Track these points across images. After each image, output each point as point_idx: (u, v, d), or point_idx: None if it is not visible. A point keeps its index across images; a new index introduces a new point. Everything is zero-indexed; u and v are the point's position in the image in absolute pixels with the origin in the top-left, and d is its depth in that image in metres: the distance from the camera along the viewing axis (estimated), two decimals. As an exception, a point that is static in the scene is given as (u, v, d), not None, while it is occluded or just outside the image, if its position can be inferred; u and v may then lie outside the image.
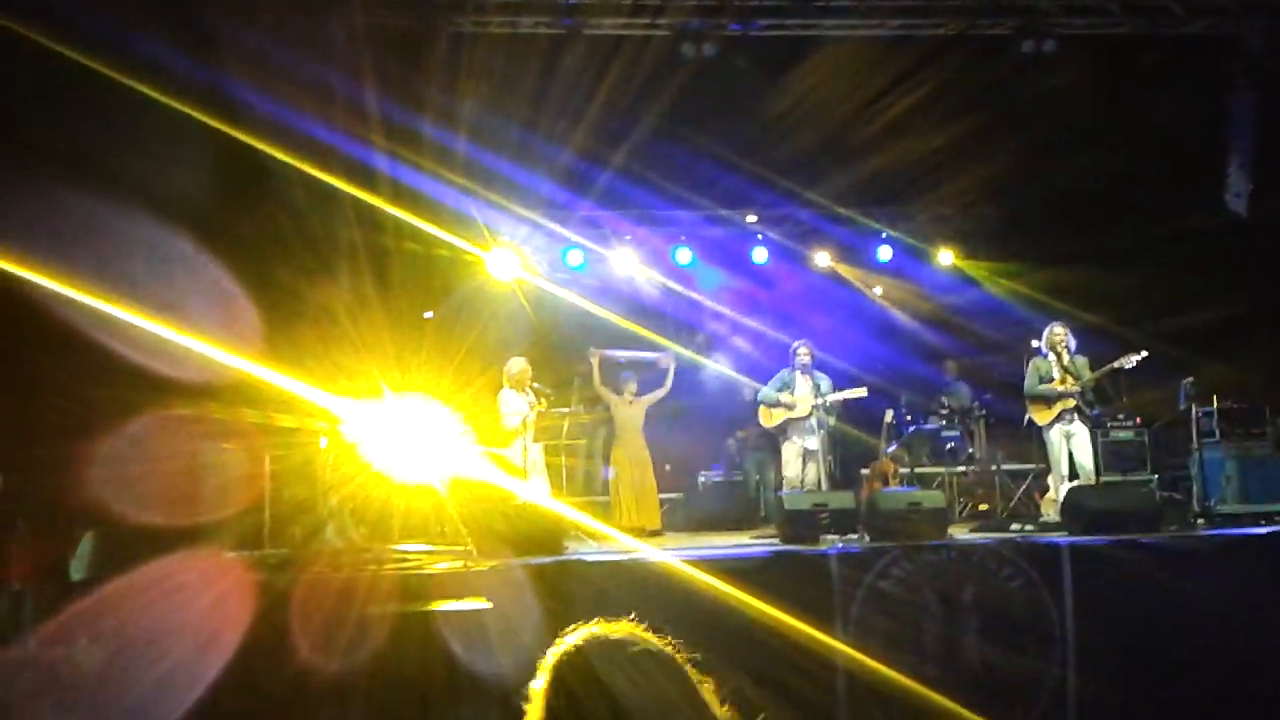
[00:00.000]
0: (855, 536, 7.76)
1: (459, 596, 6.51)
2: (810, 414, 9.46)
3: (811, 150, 12.03)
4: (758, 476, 12.19)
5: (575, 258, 13.41)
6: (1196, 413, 9.60)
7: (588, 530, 9.51)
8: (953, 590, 7.14)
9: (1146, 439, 10.32)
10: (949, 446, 11.59)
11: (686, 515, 11.78)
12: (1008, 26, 8.42)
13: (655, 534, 10.04)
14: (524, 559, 7.32)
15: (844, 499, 8.30)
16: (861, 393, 9.54)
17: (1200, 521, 8.85)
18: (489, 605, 6.03)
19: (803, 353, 9.62)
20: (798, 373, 9.60)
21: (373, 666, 6.04)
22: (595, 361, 10.52)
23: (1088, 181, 9.97)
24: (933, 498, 8.33)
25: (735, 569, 6.93)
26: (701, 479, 12.38)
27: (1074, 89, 9.66)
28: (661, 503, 10.93)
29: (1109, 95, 9.42)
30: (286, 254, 8.77)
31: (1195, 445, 9.45)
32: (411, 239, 10.56)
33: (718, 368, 12.29)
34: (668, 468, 11.45)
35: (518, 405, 9.13)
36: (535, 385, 9.24)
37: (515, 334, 11.98)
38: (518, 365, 9.28)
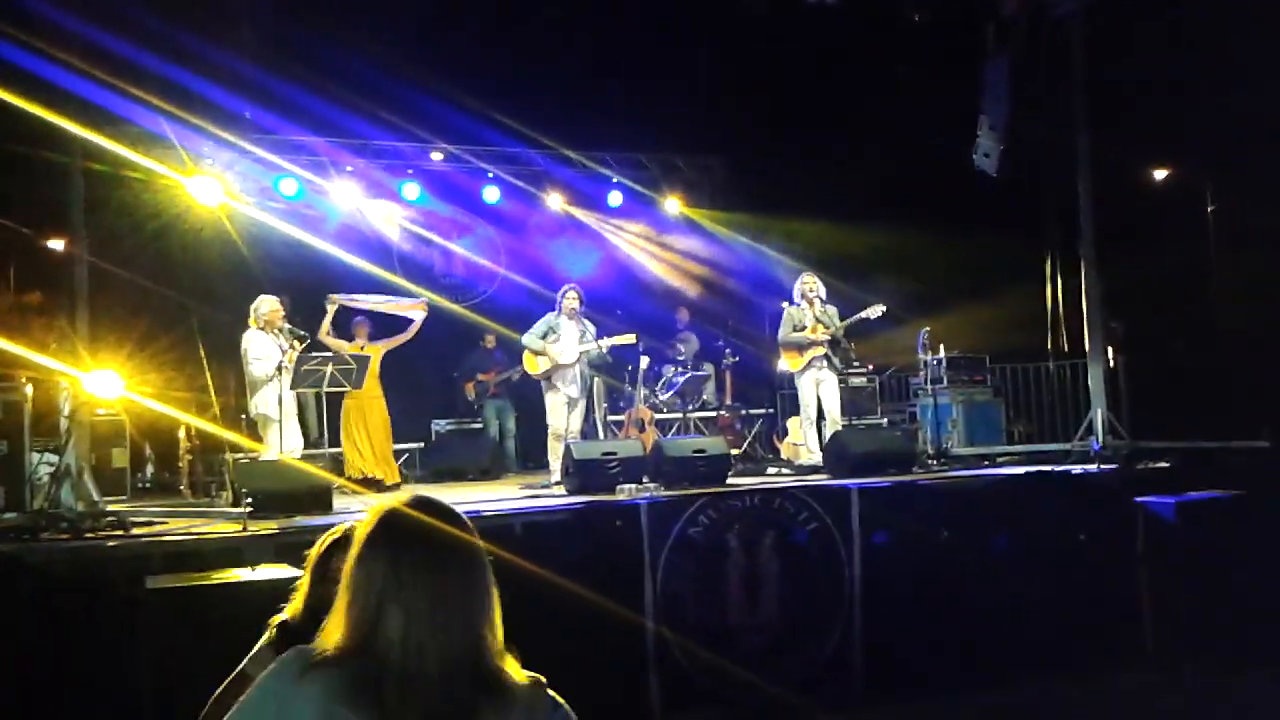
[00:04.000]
0: (653, 485, 7.59)
1: (244, 564, 5.68)
2: (576, 361, 9.14)
3: (542, 92, 11.73)
4: (498, 423, 11.79)
5: (289, 187, 12.27)
6: (930, 360, 10.27)
7: (352, 486, 8.77)
8: (754, 535, 7.16)
9: (878, 385, 10.93)
10: (696, 394, 11.71)
11: (426, 466, 11.19)
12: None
13: (393, 488, 9.38)
14: (297, 518, 6.58)
15: (631, 447, 8.14)
16: (630, 339, 9.35)
17: (932, 462, 9.49)
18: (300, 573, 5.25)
19: (571, 298, 9.26)
20: (563, 318, 9.24)
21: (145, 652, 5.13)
22: (331, 309, 9.64)
23: (839, 137, 10.37)
24: (716, 444, 8.35)
25: (543, 522, 6.60)
26: (436, 428, 11.80)
27: (829, 46, 9.95)
28: (397, 454, 10.27)
29: (871, 54, 9.76)
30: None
31: (929, 391, 10.12)
32: (98, 160, 9.16)
33: (460, 311, 11.71)
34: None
35: (268, 349, 8.15)
36: (288, 327, 8.29)
37: (232, 275, 10.83)
38: (267, 305, 8.28)
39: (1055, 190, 10.57)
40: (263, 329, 8.19)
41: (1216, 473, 8.35)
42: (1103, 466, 8.65)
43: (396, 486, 9.51)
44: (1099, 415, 9.39)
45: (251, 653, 2.82)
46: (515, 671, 1.91)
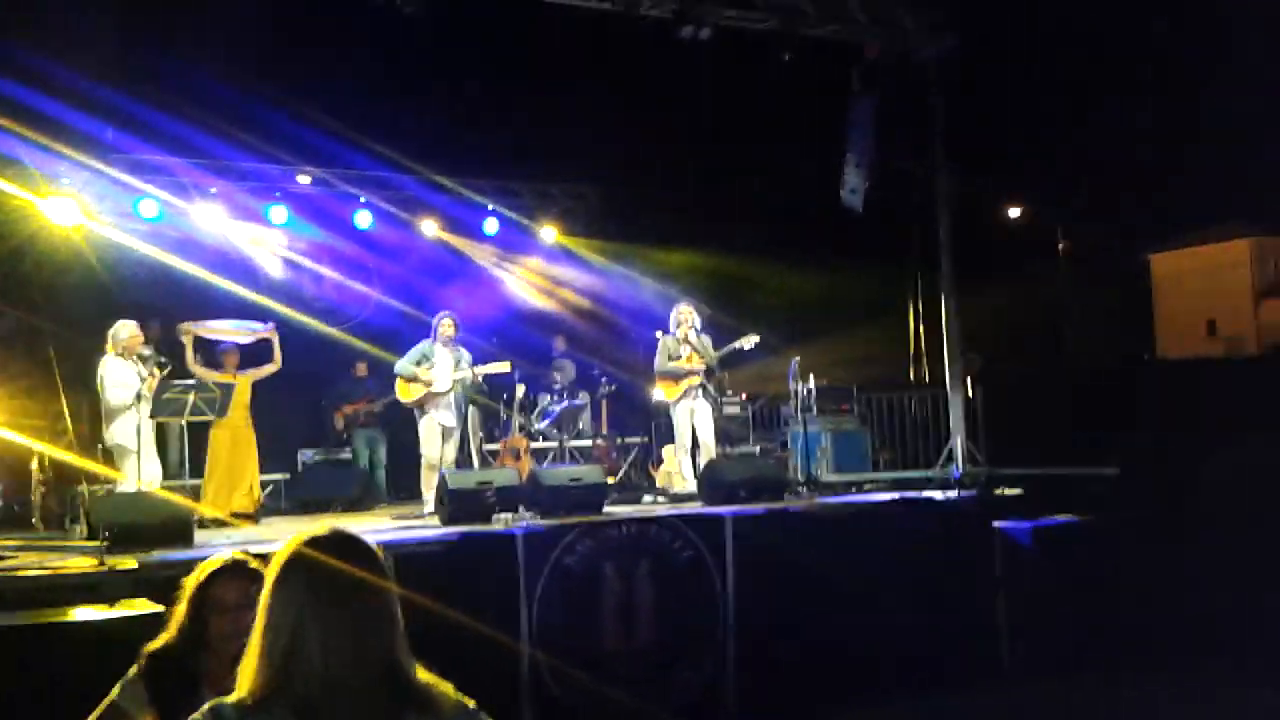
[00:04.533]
0: (529, 514, 7.56)
1: (101, 601, 5.43)
2: (451, 389, 9.06)
3: (415, 118, 11.68)
4: (368, 453, 11.55)
5: (149, 208, 11.86)
6: (800, 390, 10.51)
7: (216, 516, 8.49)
8: (630, 564, 7.19)
9: (750, 414, 11.13)
10: (572, 424, 11.71)
11: (292, 496, 10.88)
12: (667, 10, 8.59)
13: (248, 518, 9.10)
14: (157, 553, 6.33)
15: (507, 476, 8.10)
16: (505, 367, 9.31)
17: (803, 489, 9.71)
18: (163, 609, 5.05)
19: (446, 324, 9.17)
20: (438, 345, 9.15)
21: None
22: (188, 340, 9.31)
23: (713, 169, 10.57)
24: (592, 472, 8.36)
25: (418, 552, 6.50)
26: (302, 458, 11.50)
27: (703, 79, 10.17)
28: (261, 485, 9.96)
29: (743, 90, 10.00)
30: None
31: (800, 420, 10.35)
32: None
33: (333, 334, 11.46)
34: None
35: (126, 376, 7.83)
36: (147, 353, 7.98)
37: (91, 299, 10.40)
38: (126, 330, 7.96)
39: (917, 225, 10.99)
40: (121, 355, 7.88)
41: (1068, 498, 8.78)
42: (962, 493, 8.99)
43: (255, 517, 9.23)
44: (958, 443, 9.77)
45: (122, 681, 2.73)
46: (437, 688, 1.95)
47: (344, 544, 1.99)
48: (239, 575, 2.88)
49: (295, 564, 1.94)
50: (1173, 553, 7.92)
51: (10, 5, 8.98)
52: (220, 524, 8.65)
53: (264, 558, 2.24)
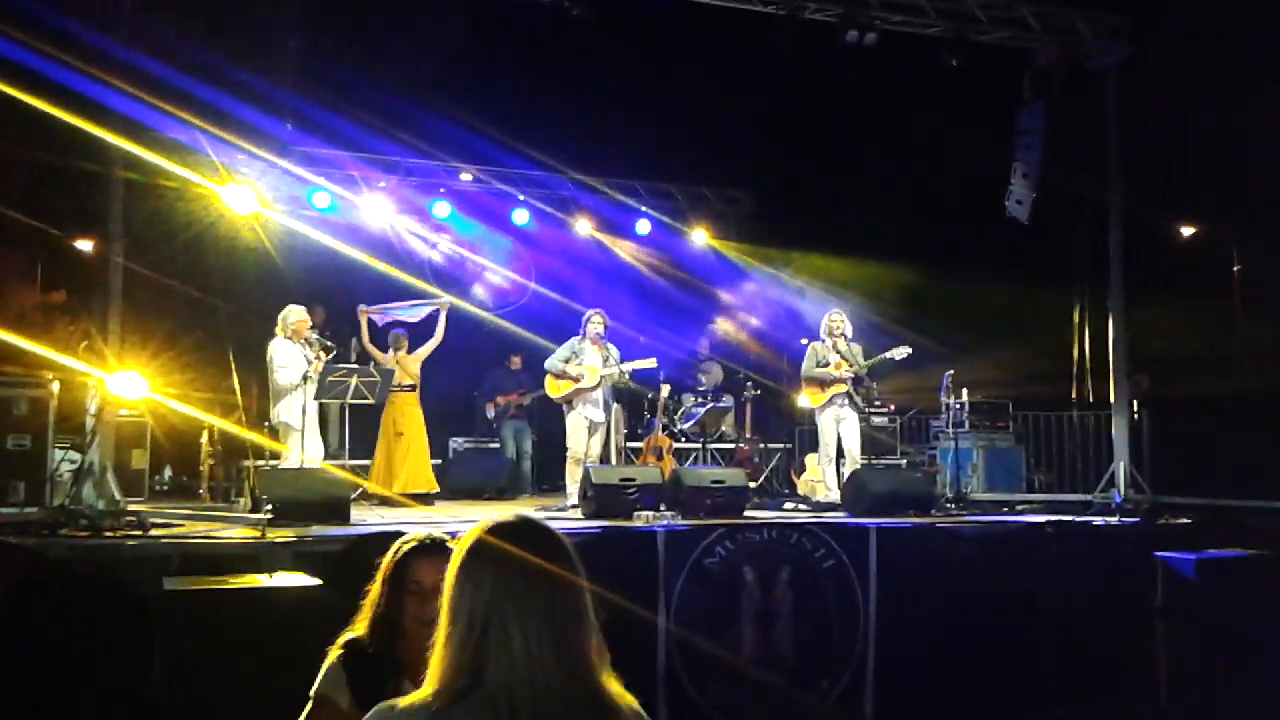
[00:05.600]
0: (670, 513, 7.58)
1: (261, 570, 5.69)
2: (599, 385, 9.15)
3: (572, 121, 11.86)
4: (514, 444, 11.79)
5: (321, 200, 12.43)
6: (953, 404, 10.24)
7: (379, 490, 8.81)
8: (770, 569, 7.12)
9: (899, 426, 10.90)
10: (721, 425, 11.70)
11: (443, 482, 11.17)
12: (832, 14, 8.48)
13: (427, 499, 9.42)
14: (315, 528, 6.59)
15: (650, 474, 8.14)
16: (651, 364, 9.35)
17: (951, 506, 9.43)
18: (318, 582, 5.27)
19: (596, 321, 9.28)
20: (588, 341, 9.26)
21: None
22: (364, 320, 9.75)
23: (872, 178, 10.40)
24: (734, 475, 8.34)
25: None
26: (454, 445, 11.82)
27: (864, 85, 10.01)
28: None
29: (906, 95, 9.81)
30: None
31: (950, 434, 10.07)
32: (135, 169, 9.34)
33: (490, 321, 11.77)
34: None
35: (294, 358, 8.19)
36: (315, 336, 8.34)
37: (264, 283, 10.93)
38: (295, 314, 8.34)
39: (1085, 240, 10.58)
40: (289, 338, 8.25)
41: (1237, 531, 8.29)
42: (1124, 519, 8.59)
43: (429, 499, 9.54)
44: (1121, 468, 9.34)
45: (322, 673, 2.70)
46: (620, 693, 1.84)
47: (534, 532, 1.88)
48: (436, 555, 2.65)
49: (482, 551, 1.82)
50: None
51: (195, 11, 9.52)
52: (387, 502, 8.98)
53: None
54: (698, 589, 6.87)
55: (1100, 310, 10.30)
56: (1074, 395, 11.39)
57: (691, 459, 11.12)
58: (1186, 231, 11.94)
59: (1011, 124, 9.11)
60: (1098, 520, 8.49)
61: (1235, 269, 12.11)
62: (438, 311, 9.90)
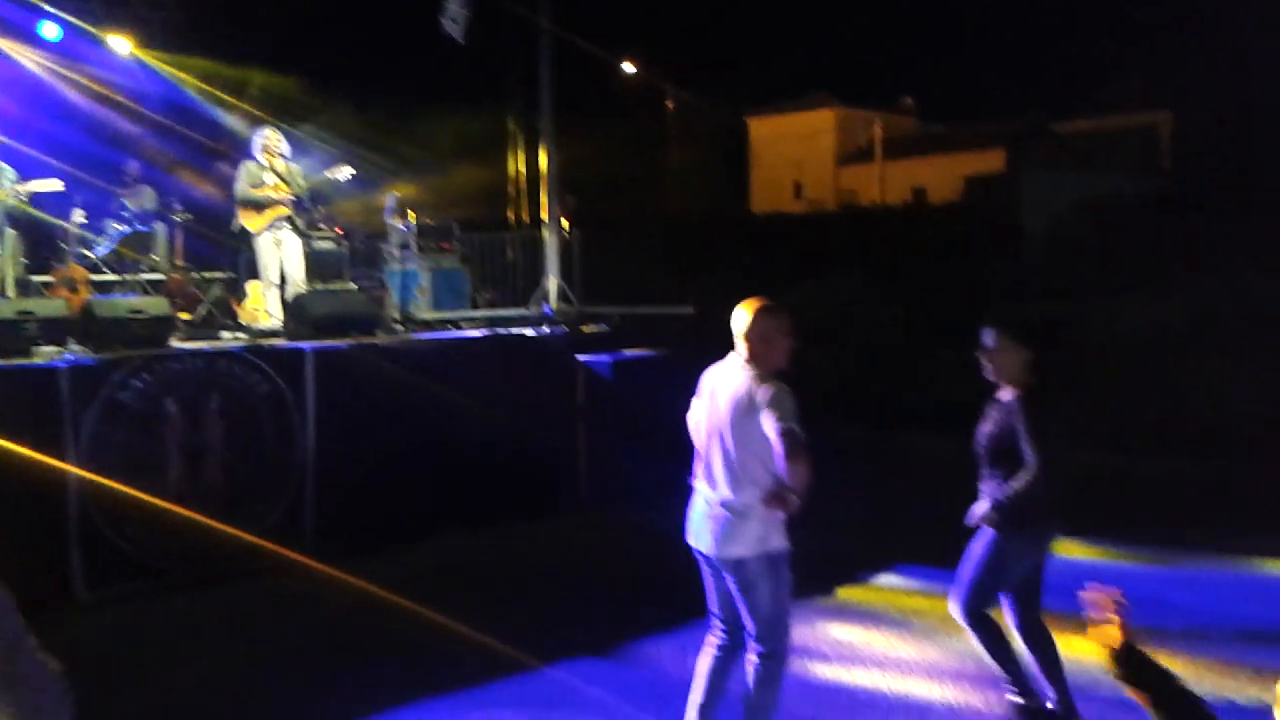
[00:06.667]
0: (80, 349, 6.83)
1: None
2: (-11, 209, 7.94)
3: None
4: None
5: None
6: (399, 227, 10.21)
7: None
8: (197, 401, 6.74)
9: (347, 251, 10.65)
10: (136, 253, 10.64)
11: None
12: None
13: None
14: None
15: (53, 307, 7.26)
16: (55, 185, 8.28)
17: (399, 327, 9.54)
18: None
19: (-19, 135, 7.98)
20: (-30, 158, 7.96)
21: None
22: None
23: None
24: (156, 304, 7.68)
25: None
26: None
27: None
28: None
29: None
30: None
31: (398, 257, 10.08)
32: None
33: None
34: None
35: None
36: None
37: None
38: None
39: (520, 63, 10.84)
40: None
41: (648, 335, 9.27)
42: (553, 329, 9.21)
43: None
44: (552, 282, 9.96)
45: None
46: None
47: None
48: None
49: None
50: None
51: None
52: None
53: None
54: (111, 426, 6.34)
55: (535, 133, 10.72)
56: (511, 216, 11.87)
57: (115, 292, 10.09)
58: (626, 68, 12.71)
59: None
60: (530, 331, 9.02)
61: (668, 103, 13.13)
62: None
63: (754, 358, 3.83)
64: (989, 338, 4.31)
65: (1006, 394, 4.31)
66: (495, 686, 4.98)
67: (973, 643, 4.35)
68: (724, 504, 3.80)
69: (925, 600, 6.11)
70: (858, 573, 6.56)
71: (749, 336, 3.84)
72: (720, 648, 3.98)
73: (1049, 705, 4.31)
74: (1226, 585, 6.40)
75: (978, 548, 4.28)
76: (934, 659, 5.22)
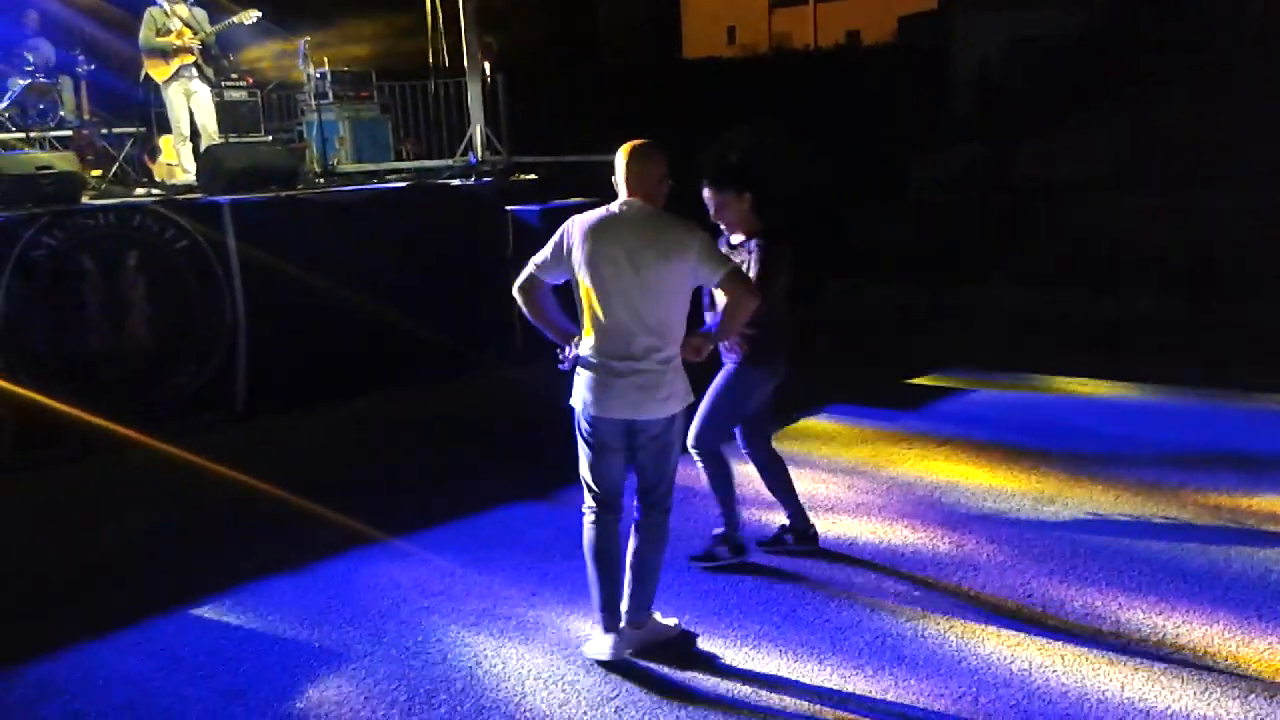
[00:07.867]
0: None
1: None
2: None
3: None
4: None
5: None
6: (313, 74, 9.81)
7: None
8: (114, 256, 6.54)
9: (259, 100, 10.22)
10: (40, 108, 10.13)
11: None
12: None
13: None
14: None
15: (-50, 163, 6.92)
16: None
17: (321, 180, 9.28)
18: None
19: None
20: None
21: None
22: None
23: None
24: (64, 159, 7.38)
25: None
26: None
27: None
28: None
29: None
30: None
31: (315, 106, 9.72)
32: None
33: None
34: None
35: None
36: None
37: None
38: None
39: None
40: None
41: (581, 183, 9.09)
42: (480, 180, 9.01)
43: None
44: (477, 131, 9.70)
45: None
46: None
47: None
48: None
49: None
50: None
51: None
52: None
53: None
54: (27, 285, 6.15)
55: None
56: (430, 62, 11.41)
57: (18, 150, 9.63)
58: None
59: None
60: (456, 182, 8.83)
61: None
62: None
63: (647, 200, 3.57)
64: (707, 192, 4.29)
65: (740, 237, 4.31)
66: (434, 531, 5.06)
67: (700, 473, 4.44)
68: (648, 364, 3.51)
69: (854, 435, 6.31)
70: (794, 413, 6.67)
71: (633, 179, 3.59)
72: (614, 520, 3.72)
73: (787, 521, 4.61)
74: (1147, 412, 6.65)
75: (716, 383, 4.38)
76: (862, 498, 5.40)
